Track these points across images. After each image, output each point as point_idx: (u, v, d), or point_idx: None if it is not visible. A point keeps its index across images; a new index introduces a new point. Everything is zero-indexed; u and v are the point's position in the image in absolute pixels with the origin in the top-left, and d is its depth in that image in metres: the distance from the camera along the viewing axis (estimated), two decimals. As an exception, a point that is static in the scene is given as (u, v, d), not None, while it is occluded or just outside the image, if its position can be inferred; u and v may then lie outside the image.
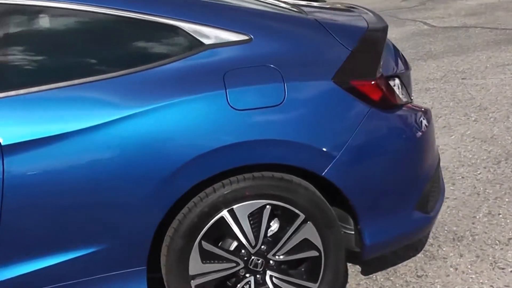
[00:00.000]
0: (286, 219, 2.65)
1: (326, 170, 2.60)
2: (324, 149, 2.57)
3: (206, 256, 2.60)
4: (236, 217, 2.59)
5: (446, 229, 3.66)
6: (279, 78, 2.55)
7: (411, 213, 2.83)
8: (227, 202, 2.56)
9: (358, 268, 3.35)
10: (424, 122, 2.92)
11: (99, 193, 2.44)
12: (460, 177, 4.31)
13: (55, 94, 2.41)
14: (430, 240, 3.56)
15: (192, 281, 2.62)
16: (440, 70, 6.94)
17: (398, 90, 2.84)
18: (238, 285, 2.67)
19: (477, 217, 3.75)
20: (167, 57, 2.53)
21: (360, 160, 2.66)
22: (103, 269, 2.54)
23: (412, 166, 2.83)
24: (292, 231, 2.65)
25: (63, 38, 2.54)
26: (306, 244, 2.68)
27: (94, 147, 2.41)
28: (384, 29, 2.92)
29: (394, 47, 3.18)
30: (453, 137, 5.00)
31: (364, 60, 2.72)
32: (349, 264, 3.38)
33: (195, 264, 2.60)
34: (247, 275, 2.68)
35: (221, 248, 2.62)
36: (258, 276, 2.69)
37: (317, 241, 2.68)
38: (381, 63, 2.74)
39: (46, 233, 2.45)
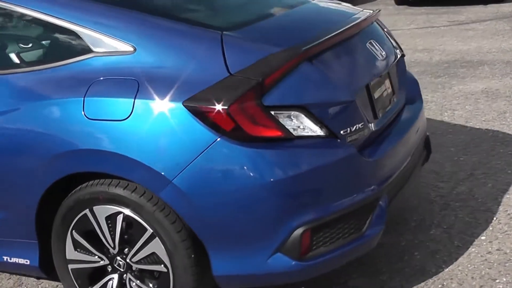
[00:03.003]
0: (138, 229, 2.54)
1: (161, 192, 2.41)
2: (159, 171, 2.39)
3: (77, 246, 2.69)
4: (96, 218, 2.61)
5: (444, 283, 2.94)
6: (133, 94, 2.43)
7: (269, 255, 2.40)
8: (86, 201, 2.59)
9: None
10: (321, 161, 2.43)
11: None
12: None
13: None
14: (411, 290, 2.92)
15: (69, 265, 2.74)
16: None
17: (295, 123, 2.42)
18: (103, 280, 2.70)
19: (499, 281, 2.91)
20: (59, 60, 2.63)
21: (198, 190, 2.36)
22: (5, 234, 2.85)
23: (268, 209, 2.37)
24: (142, 242, 2.54)
25: None
26: (155, 258, 2.54)
27: None
28: (298, 53, 2.47)
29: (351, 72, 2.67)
30: None
31: (233, 86, 2.36)
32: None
33: (70, 250, 2.71)
34: (113, 272, 2.68)
35: (88, 241, 2.68)
36: (123, 276, 2.67)
37: (165, 258, 2.50)
38: (257, 91, 2.35)
39: None
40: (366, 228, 2.59)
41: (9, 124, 2.66)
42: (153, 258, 2.56)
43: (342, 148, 2.50)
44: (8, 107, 2.66)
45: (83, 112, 2.49)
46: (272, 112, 2.40)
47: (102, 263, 2.68)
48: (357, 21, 2.86)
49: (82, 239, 2.68)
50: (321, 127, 2.47)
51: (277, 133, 2.39)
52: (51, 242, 2.76)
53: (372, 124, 2.73)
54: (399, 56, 3.22)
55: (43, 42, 2.74)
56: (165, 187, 2.40)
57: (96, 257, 2.68)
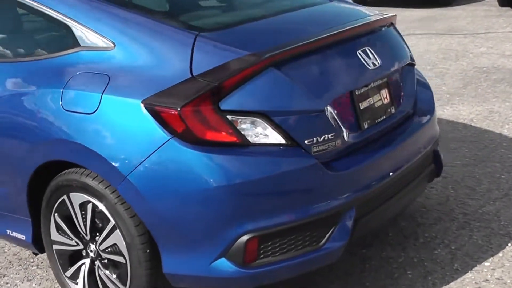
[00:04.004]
0: (104, 219, 2.58)
1: (118, 186, 2.42)
2: (115, 166, 2.39)
3: (59, 228, 2.78)
4: (72, 204, 2.67)
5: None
6: (102, 89, 2.46)
7: (213, 259, 2.34)
8: (64, 187, 2.66)
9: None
10: (274, 170, 2.33)
11: None
12: None
13: None
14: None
15: (53, 245, 2.84)
16: None
17: (255, 130, 2.35)
18: (77, 264, 2.78)
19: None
20: (49, 52, 2.73)
21: (149, 187, 2.35)
22: (6, 209, 2.99)
23: (214, 213, 2.30)
24: (106, 233, 2.57)
25: None
26: (116, 249, 2.56)
27: None
28: (261, 59, 2.37)
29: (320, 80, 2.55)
30: None
31: (189, 88, 2.33)
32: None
33: (54, 232, 2.81)
34: (86, 257, 2.74)
35: (67, 225, 2.75)
36: (94, 262, 2.72)
37: (124, 250, 2.52)
38: (213, 95, 2.31)
39: None
40: (325, 241, 2.46)
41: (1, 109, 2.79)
42: (115, 249, 2.59)
43: (301, 158, 2.39)
44: (4, 93, 2.80)
45: (60, 103, 2.57)
46: (229, 117, 2.34)
47: (78, 247, 2.76)
48: (347, 27, 2.71)
49: (62, 223, 2.76)
50: (283, 135, 2.38)
51: (232, 139, 2.33)
52: (41, 224, 2.88)
53: (349, 134, 2.58)
54: (403, 65, 3.01)
55: (38, 34, 2.86)
56: (121, 182, 2.41)
57: (73, 241, 2.76)
